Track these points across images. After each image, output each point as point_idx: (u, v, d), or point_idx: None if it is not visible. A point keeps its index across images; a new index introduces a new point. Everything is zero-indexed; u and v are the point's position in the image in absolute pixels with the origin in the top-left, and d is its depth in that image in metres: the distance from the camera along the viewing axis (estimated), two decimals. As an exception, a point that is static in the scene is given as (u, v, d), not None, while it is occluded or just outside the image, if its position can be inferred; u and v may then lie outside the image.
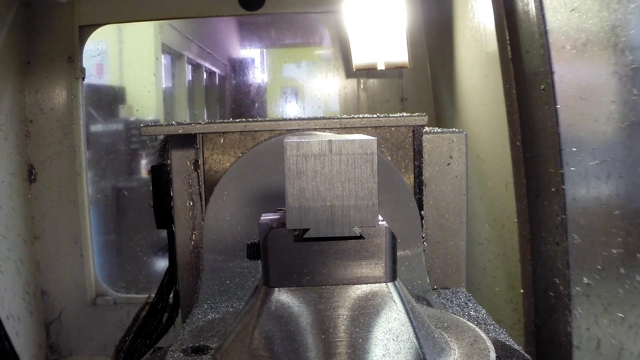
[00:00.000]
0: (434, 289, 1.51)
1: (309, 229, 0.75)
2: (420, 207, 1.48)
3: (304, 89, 3.33)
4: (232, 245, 1.41)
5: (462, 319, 0.93)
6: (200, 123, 1.46)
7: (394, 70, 2.76)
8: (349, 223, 0.75)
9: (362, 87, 2.87)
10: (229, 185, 1.42)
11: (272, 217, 0.84)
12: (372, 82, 2.87)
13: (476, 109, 2.07)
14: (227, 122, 1.47)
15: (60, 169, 2.68)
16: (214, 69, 3.84)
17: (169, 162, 1.50)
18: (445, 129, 1.56)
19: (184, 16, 2.84)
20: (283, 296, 0.76)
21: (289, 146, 0.74)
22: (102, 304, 2.80)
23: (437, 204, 1.53)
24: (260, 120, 1.47)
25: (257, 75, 3.44)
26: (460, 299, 1.45)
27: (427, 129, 1.52)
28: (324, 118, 1.52)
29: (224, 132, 1.46)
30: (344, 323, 0.74)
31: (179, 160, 1.49)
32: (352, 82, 2.90)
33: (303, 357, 0.72)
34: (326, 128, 1.47)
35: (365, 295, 0.76)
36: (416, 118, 1.47)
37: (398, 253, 0.81)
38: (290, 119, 1.51)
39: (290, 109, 3.40)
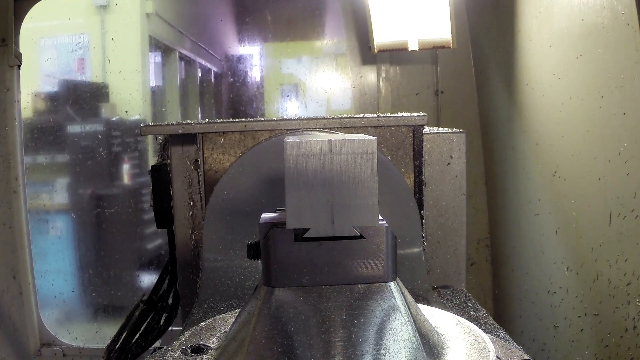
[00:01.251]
0: (434, 289, 1.51)
1: (309, 228, 0.75)
2: (420, 206, 1.48)
3: (306, 83, 2.85)
4: (232, 245, 1.41)
5: (462, 318, 0.93)
6: (200, 123, 1.46)
7: (426, 55, 2.08)
8: (349, 223, 0.75)
9: (383, 76, 2.21)
10: (229, 185, 1.42)
11: (272, 216, 0.84)
12: (398, 70, 2.18)
13: (558, 105, 1.44)
14: (227, 122, 1.47)
15: (-9, 184, 2.02)
16: (208, 65, 3.70)
17: (169, 162, 1.50)
18: (445, 129, 1.56)
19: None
20: (283, 296, 0.76)
21: (289, 146, 0.75)
22: (48, 356, 2.23)
23: (437, 204, 1.53)
24: (260, 120, 1.47)
25: (256, 71, 3.20)
26: (460, 298, 1.45)
27: (427, 129, 1.52)
28: (324, 118, 1.52)
29: (224, 132, 1.46)
30: (344, 323, 0.74)
31: (179, 160, 1.49)
32: (370, 71, 2.23)
33: (303, 356, 0.72)
34: (326, 128, 1.47)
35: (365, 294, 0.76)
36: (416, 118, 1.47)
37: (398, 252, 0.81)
38: (290, 119, 1.51)
39: (292, 107, 3.13)
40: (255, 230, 0.81)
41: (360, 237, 0.76)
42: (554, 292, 1.48)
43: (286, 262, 0.76)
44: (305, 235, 0.75)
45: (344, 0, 2.20)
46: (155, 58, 3.39)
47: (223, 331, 0.91)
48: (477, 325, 0.98)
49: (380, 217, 0.78)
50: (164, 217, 1.54)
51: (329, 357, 0.72)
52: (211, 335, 0.91)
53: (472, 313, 1.33)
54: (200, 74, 3.72)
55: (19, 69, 2.17)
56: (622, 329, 1.17)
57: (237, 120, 1.48)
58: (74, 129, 2.86)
